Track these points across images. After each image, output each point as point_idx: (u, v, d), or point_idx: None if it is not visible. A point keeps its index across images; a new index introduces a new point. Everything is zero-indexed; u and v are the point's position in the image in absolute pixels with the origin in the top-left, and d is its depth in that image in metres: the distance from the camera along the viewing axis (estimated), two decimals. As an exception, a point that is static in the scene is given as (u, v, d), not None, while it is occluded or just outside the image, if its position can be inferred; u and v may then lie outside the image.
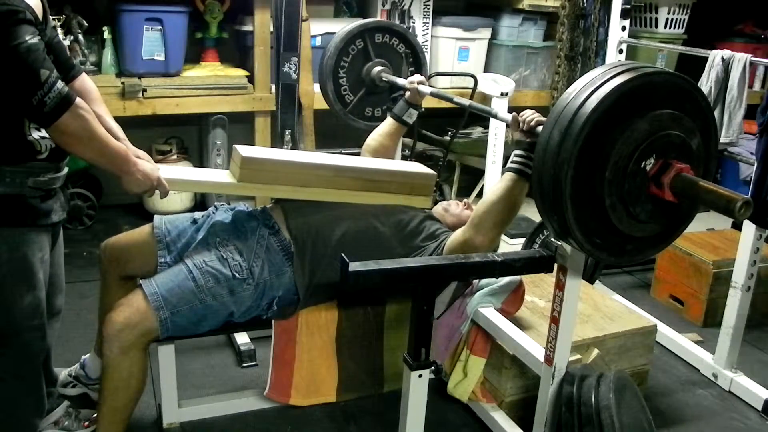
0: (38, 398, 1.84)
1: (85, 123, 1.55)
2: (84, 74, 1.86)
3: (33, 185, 1.62)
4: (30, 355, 1.76)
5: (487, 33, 3.94)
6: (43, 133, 1.62)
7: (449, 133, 3.58)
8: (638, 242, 1.53)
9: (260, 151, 2.09)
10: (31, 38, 1.45)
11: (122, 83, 3.27)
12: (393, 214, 2.07)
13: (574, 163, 1.39)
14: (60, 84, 1.50)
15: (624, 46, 3.01)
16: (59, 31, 3.15)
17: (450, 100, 2.30)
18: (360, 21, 2.64)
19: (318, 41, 3.43)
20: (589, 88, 1.40)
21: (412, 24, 3.76)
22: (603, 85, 1.39)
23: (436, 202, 2.32)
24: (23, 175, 1.60)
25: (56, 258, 1.86)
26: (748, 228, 2.44)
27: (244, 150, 1.96)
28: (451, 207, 2.26)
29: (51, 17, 1.70)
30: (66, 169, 1.74)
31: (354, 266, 1.56)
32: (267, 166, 1.98)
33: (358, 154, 2.43)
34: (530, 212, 3.07)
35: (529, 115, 1.81)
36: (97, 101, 1.85)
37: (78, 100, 1.54)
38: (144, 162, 1.77)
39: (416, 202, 2.15)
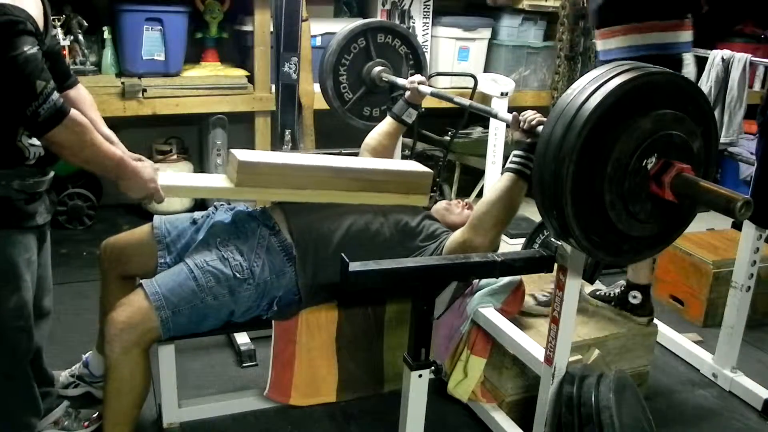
0: (31, 397, 1.83)
1: (78, 135, 1.56)
2: (80, 84, 1.88)
3: (18, 188, 1.63)
4: (17, 357, 1.76)
5: (487, 33, 3.94)
6: (34, 140, 1.62)
7: (449, 133, 3.58)
8: (635, 242, 1.53)
9: (256, 154, 2.09)
10: (30, 49, 1.46)
11: (122, 83, 3.27)
12: (392, 214, 2.07)
13: (576, 158, 1.39)
14: (55, 96, 1.50)
15: (624, 46, 3.01)
16: (60, 37, 3.15)
17: (450, 100, 2.30)
18: (363, 20, 2.65)
19: (318, 41, 3.43)
20: (594, 84, 1.41)
21: (412, 24, 3.76)
22: (608, 81, 1.39)
23: (435, 203, 2.32)
24: (9, 178, 1.61)
25: (43, 260, 1.86)
26: (748, 228, 2.44)
27: (240, 154, 1.96)
28: (451, 207, 2.26)
29: (53, 23, 1.70)
30: (52, 174, 1.75)
31: (354, 266, 1.56)
32: (264, 169, 1.98)
33: (357, 155, 2.43)
34: (530, 212, 3.07)
35: (530, 115, 1.81)
36: (92, 108, 1.86)
37: (72, 112, 1.55)
38: (143, 168, 1.77)
39: (414, 201, 2.16)
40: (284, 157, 2.21)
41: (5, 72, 1.46)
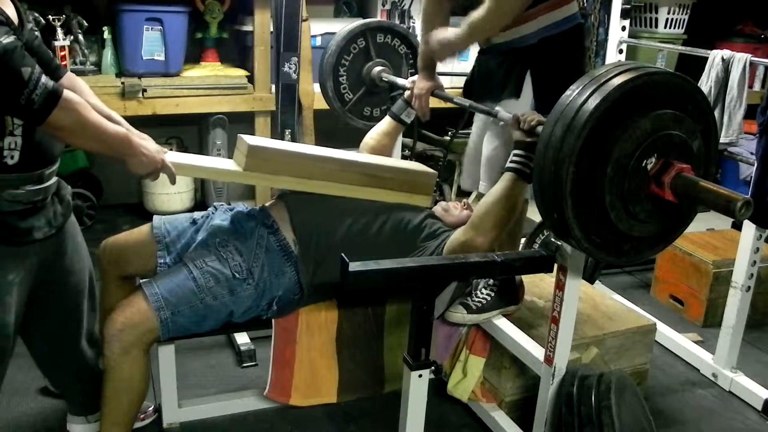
0: None
1: (77, 114, 1.51)
2: (70, 73, 1.80)
3: (10, 198, 1.53)
4: None
5: (487, 33, 3.93)
6: (12, 138, 1.53)
7: (449, 133, 3.57)
8: (636, 242, 1.53)
9: (266, 141, 2.09)
10: (6, 38, 1.39)
11: (122, 83, 3.27)
12: (394, 213, 2.07)
13: (576, 159, 1.39)
14: (44, 79, 1.44)
15: (624, 46, 3.02)
16: (59, 32, 3.14)
17: (450, 100, 2.30)
18: (362, 20, 2.65)
19: (318, 41, 3.43)
20: (593, 85, 1.41)
21: (412, 24, 3.76)
22: (607, 82, 1.39)
23: (435, 202, 2.32)
24: None
25: (65, 283, 1.80)
26: (748, 228, 2.44)
27: (250, 139, 1.97)
28: (450, 208, 2.26)
29: (29, 20, 1.58)
30: (53, 180, 1.66)
31: (354, 266, 1.56)
32: (273, 155, 1.98)
33: (357, 154, 2.43)
34: (530, 212, 3.06)
35: (530, 115, 1.81)
36: (88, 94, 1.79)
37: (66, 92, 1.49)
38: (148, 143, 1.73)
39: (417, 201, 2.16)
40: (293, 146, 2.21)
41: None
